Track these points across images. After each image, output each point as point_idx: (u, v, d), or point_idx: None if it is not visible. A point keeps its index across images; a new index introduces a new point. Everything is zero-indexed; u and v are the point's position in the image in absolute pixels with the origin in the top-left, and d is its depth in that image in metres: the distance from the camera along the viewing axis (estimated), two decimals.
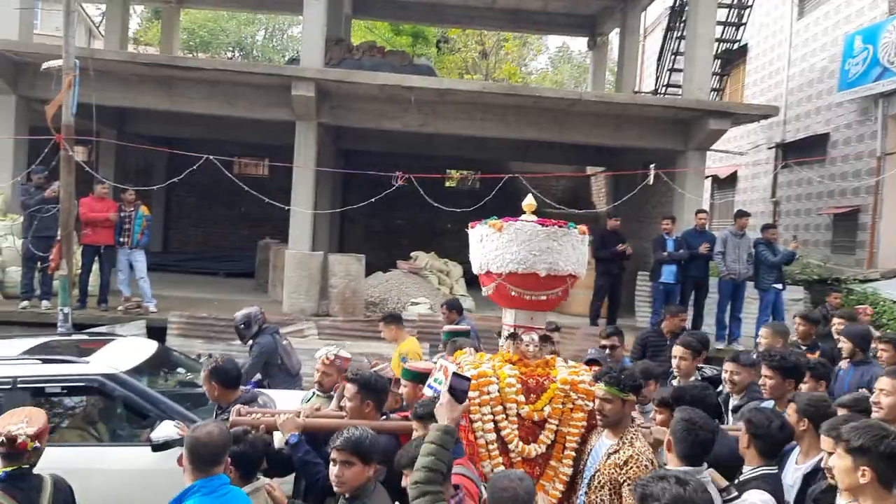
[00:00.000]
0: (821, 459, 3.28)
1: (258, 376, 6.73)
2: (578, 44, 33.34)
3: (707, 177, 15.84)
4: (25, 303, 9.78)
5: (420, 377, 3.99)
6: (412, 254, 13.87)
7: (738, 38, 14.63)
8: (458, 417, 3.02)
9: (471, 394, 3.31)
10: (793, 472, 3.57)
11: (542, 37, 31.80)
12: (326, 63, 12.02)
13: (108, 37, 16.55)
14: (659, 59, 15.54)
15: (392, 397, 4.20)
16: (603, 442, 3.43)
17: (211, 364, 4.41)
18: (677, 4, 14.46)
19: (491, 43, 28.37)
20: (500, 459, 3.46)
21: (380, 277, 12.42)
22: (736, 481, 3.27)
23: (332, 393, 4.63)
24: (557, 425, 3.57)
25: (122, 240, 10.01)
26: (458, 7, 17.21)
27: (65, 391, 4.94)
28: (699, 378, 5.05)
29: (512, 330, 3.78)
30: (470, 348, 4.37)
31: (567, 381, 3.61)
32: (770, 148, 16.49)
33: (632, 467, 3.21)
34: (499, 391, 3.54)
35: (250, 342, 6.87)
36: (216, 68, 11.64)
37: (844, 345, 5.75)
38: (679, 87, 13.30)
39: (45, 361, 4.94)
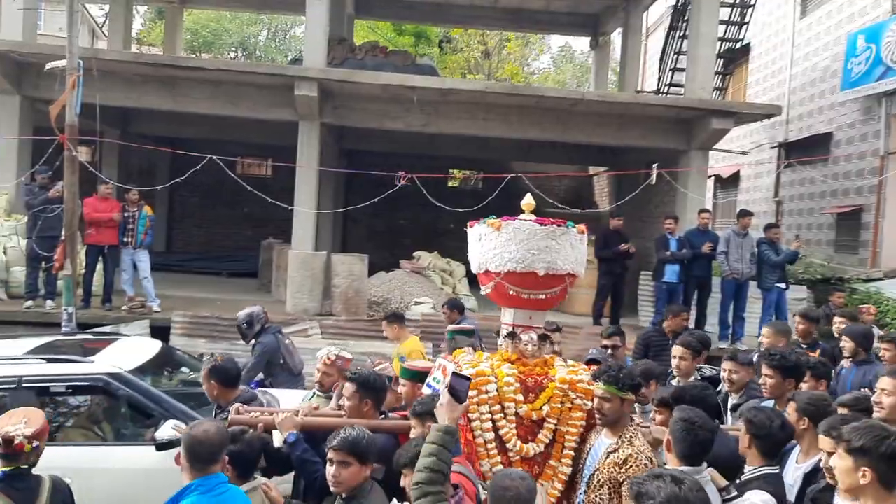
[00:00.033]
0: (821, 459, 3.28)
1: (261, 375, 6.76)
2: (581, 43, 33.27)
3: (710, 176, 15.83)
4: (30, 302, 9.82)
5: (419, 376, 3.99)
6: (415, 253, 13.88)
7: (741, 37, 14.62)
8: (459, 417, 3.02)
9: (469, 393, 3.32)
10: (793, 472, 3.57)
11: (545, 36, 31.80)
12: (329, 63, 12.03)
13: (112, 37, 16.61)
14: (661, 59, 15.53)
15: (393, 396, 4.21)
16: (602, 441, 3.43)
17: (210, 363, 4.41)
18: (680, 4, 14.44)
19: (493, 43, 28.37)
20: (499, 458, 3.46)
21: (383, 277, 12.43)
22: (737, 481, 3.26)
23: (332, 393, 4.64)
24: (556, 424, 3.57)
25: (125, 240, 10.03)
26: (461, 7, 17.21)
27: (69, 390, 4.97)
28: (699, 378, 5.05)
29: (510, 329, 3.78)
30: (468, 347, 4.37)
31: (566, 381, 3.61)
32: (773, 147, 16.47)
33: (631, 466, 3.21)
34: (497, 390, 3.54)
35: (253, 341, 6.90)
36: (219, 68, 11.67)
37: (847, 344, 5.75)
38: (682, 86, 13.29)
39: (49, 361, 4.96)
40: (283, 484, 4.12)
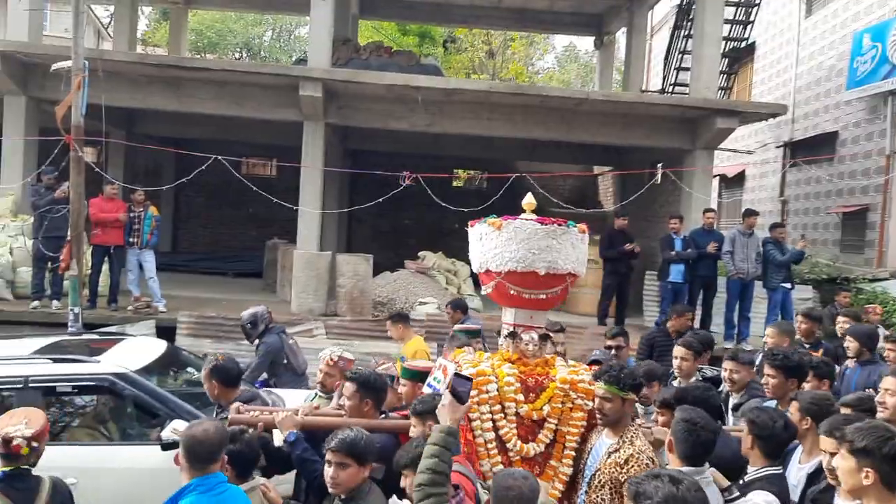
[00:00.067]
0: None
1: (264, 375, 6.78)
2: (585, 43, 33.24)
3: (715, 176, 15.78)
4: (36, 303, 9.85)
5: (419, 376, 3.98)
6: (420, 253, 13.88)
7: (746, 36, 14.58)
8: (461, 418, 3.02)
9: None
10: (796, 472, 3.56)
11: (549, 36, 31.75)
12: (334, 63, 12.05)
13: (117, 38, 16.64)
14: (666, 58, 15.51)
15: (394, 395, 4.21)
16: (603, 441, 3.42)
17: (211, 363, 4.41)
18: (684, 3, 14.43)
19: (497, 42, 28.34)
20: (499, 458, 3.46)
21: (387, 277, 12.44)
22: (740, 482, 3.26)
23: (334, 394, 4.64)
24: (556, 424, 3.56)
25: (131, 240, 10.06)
26: (465, 7, 17.22)
27: (75, 390, 4.98)
28: (700, 378, 5.03)
29: (511, 329, 3.77)
30: (469, 347, 4.37)
31: (566, 381, 3.60)
32: (778, 146, 16.43)
33: (632, 466, 3.19)
34: (497, 390, 3.53)
35: (256, 341, 6.92)
36: (224, 69, 11.69)
37: (851, 344, 5.72)
38: (686, 85, 13.27)
39: (56, 361, 4.98)
40: (284, 484, 4.14)
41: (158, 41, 32.25)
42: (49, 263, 9.73)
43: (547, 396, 3.57)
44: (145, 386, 4.85)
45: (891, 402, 3.74)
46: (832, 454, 2.91)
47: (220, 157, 10.27)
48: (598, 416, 3.43)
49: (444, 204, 11.18)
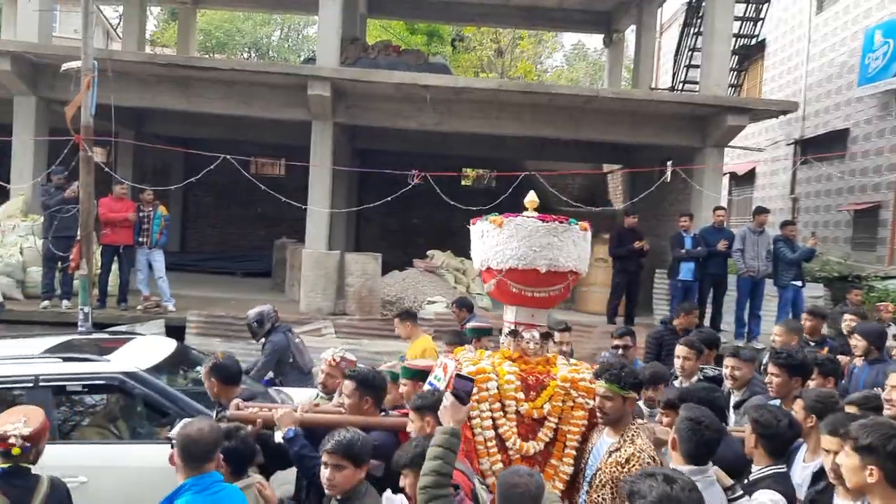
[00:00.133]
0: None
1: (271, 374, 6.78)
2: (594, 41, 33.22)
3: (725, 173, 15.70)
4: (46, 302, 9.89)
5: (420, 375, 3.96)
6: (428, 252, 13.86)
7: (756, 33, 14.49)
8: (463, 419, 3.00)
9: None
10: (801, 471, 3.52)
11: (558, 34, 31.68)
12: (342, 62, 12.05)
13: (126, 38, 16.70)
14: (676, 56, 15.44)
15: (396, 393, 4.20)
16: (604, 440, 3.40)
17: (211, 361, 4.41)
18: (694, 0, 14.36)
19: (506, 41, 28.31)
20: (499, 457, 3.43)
21: (396, 276, 12.43)
22: (746, 481, 3.23)
23: (335, 395, 4.62)
24: (557, 423, 3.53)
25: (141, 240, 10.09)
26: (473, 5, 17.19)
27: (86, 389, 5.00)
28: (700, 378, 5.00)
29: (513, 327, 3.74)
30: (469, 345, 4.35)
31: (567, 379, 3.57)
32: (789, 144, 16.35)
33: (634, 465, 3.16)
34: (498, 388, 3.51)
35: (263, 340, 6.92)
36: (233, 68, 11.71)
37: (859, 342, 5.67)
38: (696, 83, 13.21)
39: (66, 360, 4.98)
40: (286, 485, 4.13)
41: (167, 41, 32.36)
42: (59, 263, 9.77)
43: (548, 395, 3.54)
44: (155, 385, 4.85)
45: None
46: (834, 453, 2.86)
47: (228, 157, 10.29)
48: (598, 414, 3.40)
49: (452, 203, 11.16)
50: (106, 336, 6.40)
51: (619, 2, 16.46)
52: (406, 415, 3.66)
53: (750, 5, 13.94)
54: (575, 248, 3.68)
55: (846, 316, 7.04)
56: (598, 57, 35.61)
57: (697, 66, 13.07)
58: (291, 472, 3.98)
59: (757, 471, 3.25)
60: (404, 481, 3.05)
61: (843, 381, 5.53)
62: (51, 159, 10.87)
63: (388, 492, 3.14)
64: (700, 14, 13.59)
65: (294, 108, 11.42)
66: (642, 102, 11.93)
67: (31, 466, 3.25)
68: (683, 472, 2.63)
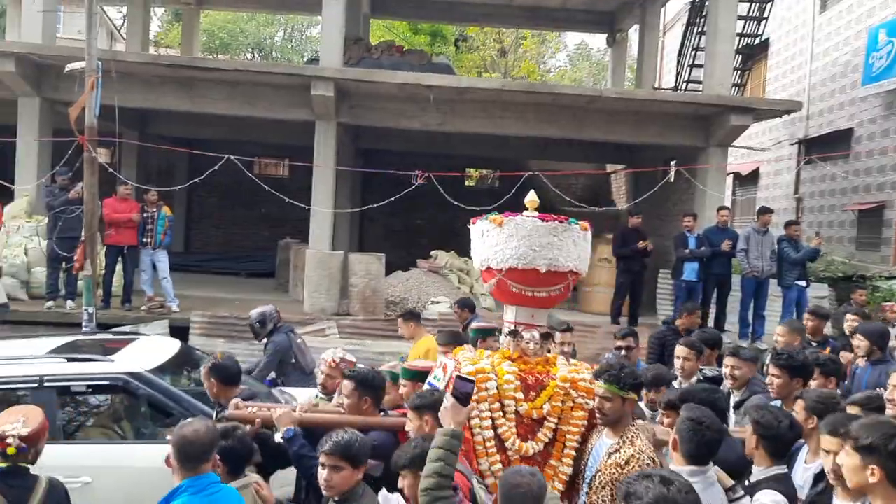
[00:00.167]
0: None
1: (273, 374, 6.78)
2: (597, 41, 33.16)
3: (729, 173, 15.69)
4: (50, 303, 9.91)
5: (419, 376, 3.95)
6: (432, 253, 13.87)
7: (760, 32, 14.48)
8: (464, 421, 2.99)
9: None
10: (802, 472, 3.51)
11: (561, 34, 31.65)
12: (345, 63, 12.05)
13: (130, 39, 16.74)
14: (679, 55, 15.42)
15: (396, 394, 4.20)
16: (603, 441, 3.38)
17: (210, 361, 4.40)
18: (697, 0, 14.34)
19: (509, 41, 28.27)
20: (498, 457, 3.42)
21: (400, 276, 12.44)
22: (747, 483, 3.22)
23: (334, 396, 4.62)
24: (556, 423, 3.52)
25: (145, 240, 10.11)
26: (477, 5, 17.19)
27: (90, 389, 4.99)
28: (700, 379, 4.98)
29: (512, 327, 3.73)
30: (468, 345, 4.35)
31: (567, 379, 3.56)
32: (793, 144, 16.30)
33: (633, 467, 3.14)
34: (497, 388, 3.49)
35: (265, 340, 6.93)
36: (236, 69, 11.72)
37: (861, 343, 5.63)
38: (700, 82, 13.19)
39: (70, 360, 4.99)
40: (285, 486, 4.13)
41: (171, 42, 32.43)
42: (63, 264, 9.79)
43: (547, 395, 3.52)
44: (159, 385, 4.86)
45: None
46: (833, 453, 2.84)
47: (232, 157, 10.29)
48: (598, 415, 3.39)
49: (456, 203, 11.15)
50: (110, 336, 6.40)
51: (622, 1, 16.44)
52: (405, 415, 3.67)
53: (753, 4, 13.92)
54: (575, 247, 3.67)
55: (848, 316, 7.01)
56: (601, 57, 35.61)
57: (701, 66, 13.06)
58: (292, 473, 3.98)
59: (758, 472, 3.23)
60: (403, 482, 3.05)
61: (846, 382, 5.51)
62: (55, 160, 10.90)
63: (384, 490, 3.14)
64: (703, 13, 13.58)
65: (297, 108, 11.43)
66: (646, 102, 11.92)
67: (29, 466, 3.24)
68: (684, 473, 2.62)
